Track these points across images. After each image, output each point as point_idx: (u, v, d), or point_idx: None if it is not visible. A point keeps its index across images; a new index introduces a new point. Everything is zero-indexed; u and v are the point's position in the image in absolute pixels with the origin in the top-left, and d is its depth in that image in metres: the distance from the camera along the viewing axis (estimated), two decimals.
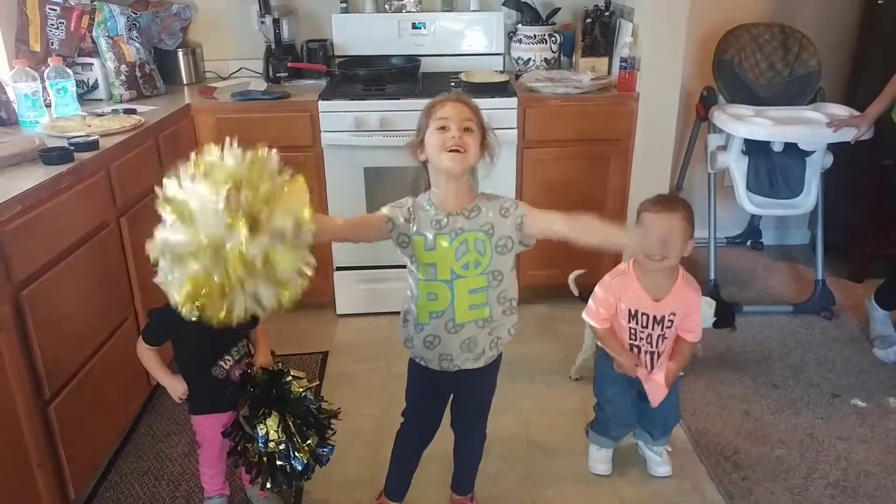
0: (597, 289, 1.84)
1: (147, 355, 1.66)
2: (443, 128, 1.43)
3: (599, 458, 2.01)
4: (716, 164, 2.85)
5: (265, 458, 1.62)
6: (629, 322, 1.79)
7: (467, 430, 1.75)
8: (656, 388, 1.79)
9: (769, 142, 2.70)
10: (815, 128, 2.64)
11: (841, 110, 2.71)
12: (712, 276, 2.88)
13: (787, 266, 3.33)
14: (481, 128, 1.48)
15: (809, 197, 2.76)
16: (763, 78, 2.98)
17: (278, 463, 1.61)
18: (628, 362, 1.81)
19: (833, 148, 2.72)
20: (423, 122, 1.49)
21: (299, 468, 1.61)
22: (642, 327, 1.78)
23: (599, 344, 1.90)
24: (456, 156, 1.42)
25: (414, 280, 1.55)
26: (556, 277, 2.56)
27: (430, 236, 1.48)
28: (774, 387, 2.40)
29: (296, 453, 1.61)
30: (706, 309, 2.33)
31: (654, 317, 1.76)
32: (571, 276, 2.42)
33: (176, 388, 1.67)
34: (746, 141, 2.73)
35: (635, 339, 1.81)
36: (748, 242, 3.53)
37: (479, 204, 1.50)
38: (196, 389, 1.68)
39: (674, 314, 1.76)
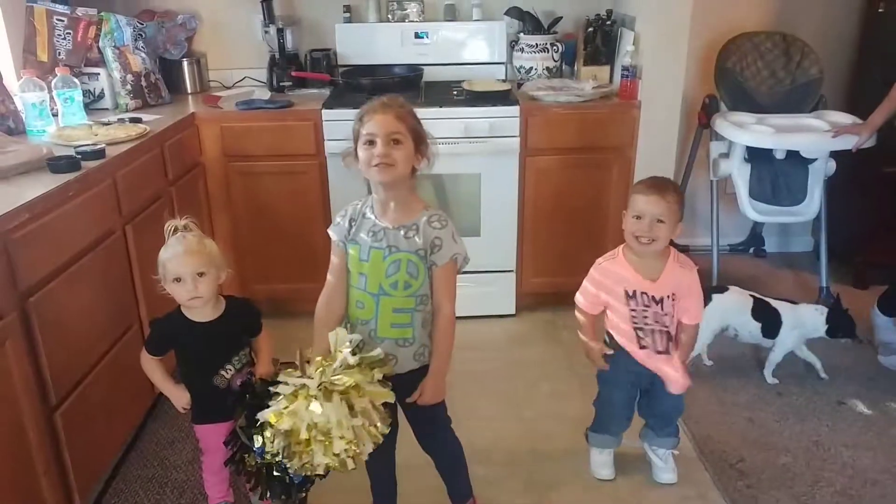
0: (591, 270, 1.83)
1: (150, 366, 1.67)
2: (370, 142, 1.43)
3: (602, 462, 2.01)
4: (718, 171, 2.86)
5: (263, 469, 1.61)
6: (629, 304, 1.77)
7: (427, 441, 1.71)
8: (673, 383, 1.79)
9: (771, 149, 2.71)
10: (817, 135, 2.65)
11: (843, 118, 2.72)
12: (715, 283, 2.88)
13: (790, 273, 3.33)
14: (413, 134, 1.46)
15: (812, 204, 2.77)
16: (765, 86, 2.99)
17: (276, 474, 1.61)
18: (595, 354, 1.83)
19: (835, 155, 2.73)
20: (354, 133, 1.48)
21: (297, 480, 1.61)
22: (644, 306, 1.76)
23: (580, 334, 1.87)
24: (383, 169, 1.42)
25: (347, 286, 1.56)
26: (558, 285, 2.57)
27: (366, 248, 1.49)
28: (779, 394, 2.40)
29: None
30: (817, 316, 2.33)
31: (654, 297, 1.75)
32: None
33: (179, 397, 1.68)
34: (749, 148, 2.74)
35: (639, 322, 1.78)
36: (751, 250, 3.53)
37: (419, 223, 1.48)
38: (198, 398, 1.68)
39: (674, 294, 1.75)
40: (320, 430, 1.38)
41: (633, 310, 1.78)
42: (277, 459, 1.58)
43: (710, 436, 2.18)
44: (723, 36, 3.04)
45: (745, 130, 2.69)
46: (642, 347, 1.80)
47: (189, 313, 1.64)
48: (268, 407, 1.60)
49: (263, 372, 1.70)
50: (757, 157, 2.76)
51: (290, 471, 1.56)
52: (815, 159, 2.73)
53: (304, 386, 1.42)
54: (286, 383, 1.46)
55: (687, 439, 2.16)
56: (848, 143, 2.57)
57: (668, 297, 1.76)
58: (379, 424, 1.45)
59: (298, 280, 2.77)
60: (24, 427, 1.54)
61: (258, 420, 1.59)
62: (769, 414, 2.29)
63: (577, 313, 1.87)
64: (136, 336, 2.08)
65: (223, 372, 1.65)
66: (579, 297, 1.86)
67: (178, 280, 1.56)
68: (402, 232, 1.48)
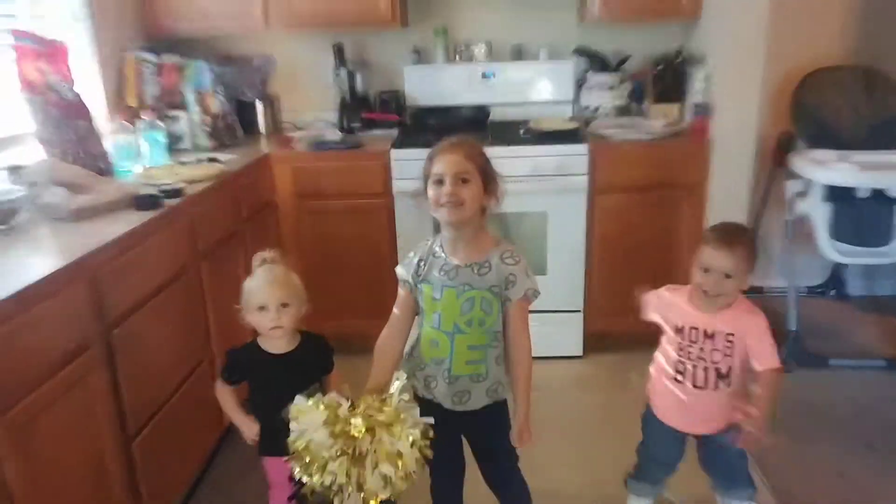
0: (658, 291, 1.80)
1: (224, 395, 1.70)
2: (439, 181, 1.44)
3: None
4: (794, 210, 2.74)
5: None
6: (677, 336, 1.72)
7: (497, 478, 1.69)
8: (744, 436, 1.69)
9: (853, 188, 2.58)
10: None
11: None
12: (794, 327, 2.74)
13: (877, 317, 3.14)
14: (482, 173, 1.46)
15: None
16: (846, 122, 2.87)
17: None
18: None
19: None
20: (424, 172, 1.49)
21: None
22: (691, 342, 1.70)
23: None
24: (451, 208, 1.43)
25: (419, 323, 1.55)
26: (627, 325, 2.49)
27: (438, 286, 1.49)
28: (869, 447, 2.23)
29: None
30: None
31: (705, 331, 1.68)
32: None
33: (249, 428, 1.70)
34: (830, 187, 2.62)
35: (683, 355, 1.72)
36: (832, 292, 3.35)
37: (491, 261, 1.49)
38: (267, 430, 1.69)
39: (731, 335, 1.67)
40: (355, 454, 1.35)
41: (679, 344, 1.72)
42: (340, 499, 1.57)
43: (793, 491, 2.04)
44: (798, 70, 2.95)
45: (825, 168, 2.58)
46: (677, 381, 1.73)
47: (265, 344, 1.67)
48: None
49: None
50: (838, 196, 2.63)
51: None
52: None
53: (338, 405, 1.40)
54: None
55: (768, 492, 2.03)
56: None
57: (723, 333, 1.68)
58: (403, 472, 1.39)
59: (366, 317, 2.77)
60: (104, 455, 1.59)
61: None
62: (860, 469, 2.13)
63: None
64: (208, 369, 2.13)
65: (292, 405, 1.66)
66: (646, 296, 1.82)
67: (262, 308, 1.60)
68: (474, 269, 1.48)
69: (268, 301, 1.60)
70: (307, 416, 1.40)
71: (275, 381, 1.66)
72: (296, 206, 2.75)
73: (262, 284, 1.61)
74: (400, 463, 1.35)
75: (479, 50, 3.12)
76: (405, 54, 3.13)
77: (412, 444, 1.37)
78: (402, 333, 1.57)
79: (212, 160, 2.51)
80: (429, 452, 1.44)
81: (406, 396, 1.47)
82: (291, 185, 2.73)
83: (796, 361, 2.71)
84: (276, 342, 1.66)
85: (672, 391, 1.77)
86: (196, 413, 2.04)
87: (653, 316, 1.80)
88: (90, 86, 2.57)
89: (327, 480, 1.35)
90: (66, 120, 2.21)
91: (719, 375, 1.71)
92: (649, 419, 1.85)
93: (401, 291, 1.58)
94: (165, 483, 1.87)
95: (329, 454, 1.34)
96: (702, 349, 1.70)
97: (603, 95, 2.94)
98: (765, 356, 1.69)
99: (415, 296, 1.56)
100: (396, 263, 2.98)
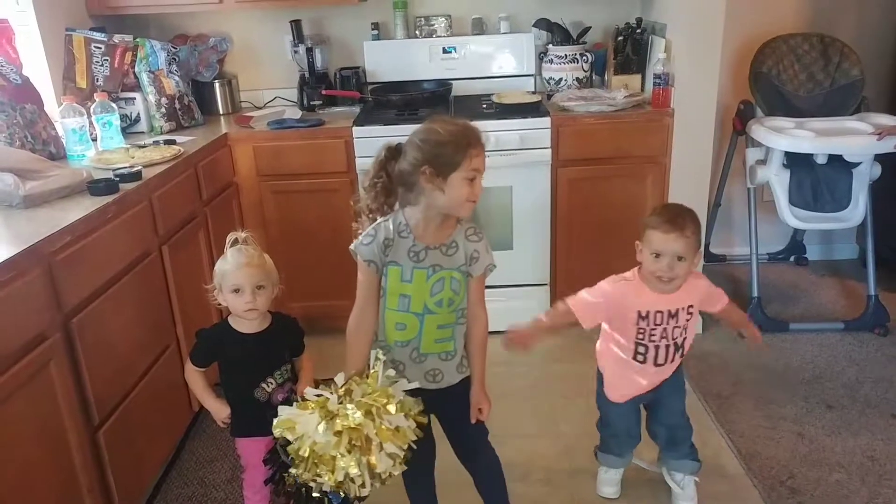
0: (605, 284, 1.74)
1: (194, 377, 1.68)
2: (473, 179, 1.42)
3: (607, 481, 1.97)
4: (755, 178, 2.79)
5: (302, 489, 1.60)
6: (638, 324, 1.72)
7: (473, 458, 1.69)
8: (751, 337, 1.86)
9: (812, 154, 2.64)
10: (861, 138, 2.57)
11: (887, 120, 2.64)
12: (755, 293, 2.81)
13: (835, 281, 3.23)
14: None
15: (857, 209, 2.68)
16: (803, 89, 2.92)
17: (315, 495, 1.59)
18: (528, 339, 1.76)
19: (880, 158, 2.64)
20: (449, 156, 1.40)
21: (336, 502, 1.59)
22: (654, 325, 1.71)
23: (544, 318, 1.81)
24: (474, 206, 1.45)
25: (382, 307, 1.53)
26: None
27: (408, 268, 1.48)
28: (829, 407, 2.31)
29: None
30: None
31: (669, 311, 1.70)
32: None
33: (220, 411, 1.69)
34: (788, 154, 2.67)
35: (644, 339, 1.73)
36: (791, 258, 3.44)
37: (457, 240, 1.49)
38: (238, 411, 1.69)
39: (691, 305, 1.71)
40: (352, 440, 1.38)
41: (640, 329, 1.72)
42: (316, 481, 1.57)
43: (757, 452, 2.10)
44: (756, 39, 2.98)
45: (783, 135, 2.63)
46: (637, 360, 1.75)
47: (236, 324, 1.65)
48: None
49: (304, 391, 1.70)
50: (796, 162, 2.68)
51: (327, 490, 1.55)
52: (858, 163, 2.65)
53: (326, 399, 1.42)
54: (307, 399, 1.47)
55: (733, 455, 2.09)
56: (893, 145, 2.48)
57: (684, 308, 1.71)
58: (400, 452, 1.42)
59: (332, 297, 2.76)
60: (69, 446, 1.55)
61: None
62: (819, 429, 2.20)
63: (558, 306, 1.78)
64: (174, 354, 2.10)
65: (264, 385, 1.66)
66: (578, 305, 1.75)
67: (237, 291, 1.58)
68: (443, 250, 1.48)
69: (243, 283, 1.58)
70: (300, 422, 1.41)
71: (246, 361, 1.66)
72: (257, 186, 2.70)
73: (238, 266, 1.59)
74: (400, 437, 1.39)
75: (440, 24, 3.09)
76: (364, 30, 3.08)
77: (406, 416, 1.40)
78: (372, 315, 1.55)
79: (169, 142, 2.45)
80: (423, 419, 1.47)
81: (391, 372, 1.48)
82: (252, 166, 2.68)
83: (759, 326, 2.77)
84: (248, 322, 1.65)
85: (629, 375, 1.79)
86: (164, 399, 2.01)
87: (600, 318, 1.78)
88: (38, 68, 2.48)
89: (340, 476, 1.37)
90: (13, 103, 2.13)
91: (677, 347, 1.75)
92: (603, 400, 1.88)
93: (366, 271, 1.52)
94: (135, 472, 1.84)
95: (338, 451, 1.35)
96: (664, 329, 1.72)
97: (564, 68, 2.93)
98: (716, 299, 1.79)
99: (378, 277, 1.53)
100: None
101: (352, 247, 1.52)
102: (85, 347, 1.60)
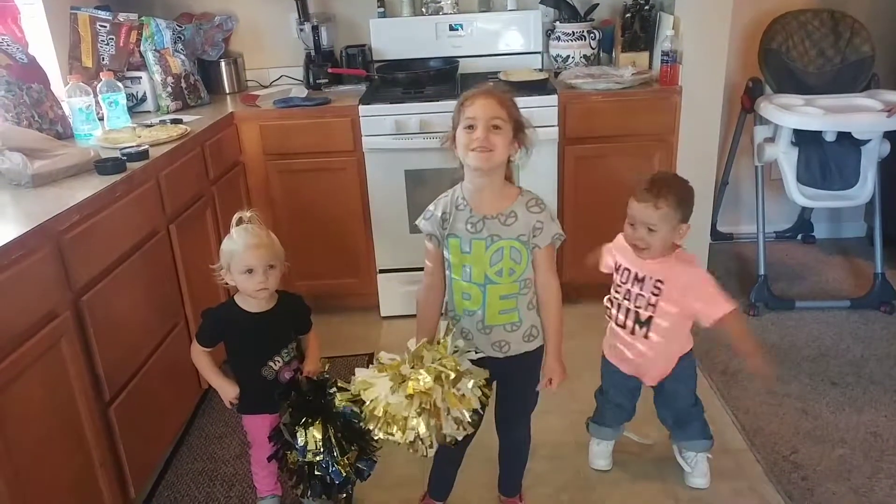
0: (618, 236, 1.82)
1: (200, 358, 1.70)
2: (470, 126, 1.42)
3: (598, 453, 1.99)
4: (763, 156, 2.77)
5: (305, 467, 1.63)
6: (616, 274, 1.78)
7: (509, 429, 1.73)
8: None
9: (820, 132, 2.62)
10: (870, 115, 2.55)
11: None
12: (762, 271, 2.80)
13: (842, 260, 3.22)
14: (513, 121, 1.45)
15: (865, 187, 2.66)
16: (812, 66, 2.89)
17: (317, 473, 1.62)
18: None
19: (890, 136, 2.62)
20: (455, 118, 1.48)
21: (338, 481, 1.62)
22: (622, 282, 1.75)
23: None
24: (481, 155, 1.41)
25: (449, 278, 1.57)
26: (601, 276, 2.52)
27: (466, 240, 1.49)
28: (833, 384, 2.32)
29: (335, 465, 1.60)
30: None
31: (636, 274, 1.71)
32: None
33: (227, 391, 1.71)
34: (796, 131, 2.65)
35: (615, 294, 1.79)
36: (799, 236, 3.42)
37: (516, 210, 1.49)
38: (246, 389, 1.71)
39: (660, 282, 1.68)
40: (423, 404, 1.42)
41: (615, 283, 1.78)
42: (318, 459, 1.60)
43: (761, 427, 2.12)
44: (766, 16, 2.94)
45: (792, 113, 2.60)
46: (609, 316, 1.82)
47: (243, 303, 1.67)
48: (310, 408, 1.63)
49: (311, 370, 1.72)
50: (805, 140, 2.66)
51: (337, 466, 1.58)
52: (868, 140, 2.62)
53: (400, 363, 1.47)
54: (335, 381, 1.54)
55: (737, 430, 2.11)
56: None
57: (652, 279, 1.69)
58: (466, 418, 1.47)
59: (339, 276, 2.79)
60: (81, 421, 1.58)
61: (301, 418, 1.61)
62: (823, 405, 2.22)
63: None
64: (183, 332, 2.12)
65: (271, 363, 1.67)
66: (604, 246, 1.85)
67: (249, 271, 1.59)
68: (501, 219, 1.48)
69: (255, 264, 1.59)
70: (376, 385, 1.46)
71: (254, 340, 1.67)
72: (264, 165, 2.71)
73: (248, 247, 1.59)
74: (466, 403, 1.43)
75: (446, 1, 3.06)
76: (370, 7, 3.05)
77: (472, 386, 1.44)
78: (439, 286, 1.59)
79: (175, 121, 2.45)
80: (488, 391, 1.51)
81: (461, 343, 1.51)
82: (259, 145, 2.69)
83: (765, 304, 2.78)
84: (255, 302, 1.66)
85: (615, 333, 1.84)
86: (174, 376, 2.04)
87: (609, 261, 1.83)
88: (43, 47, 2.48)
89: (410, 437, 1.42)
90: (19, 83, 2.14)
91: (638, 321, 1.74)
92: (604, 362, 1.92)
93: (429, 245, 1.57)
94: (145, 447, 1.88)
95: (409, 413, 1.41)
96: (629, 291, 1.74)
97: (571, 45, 2.90)
98: (714, 308, 1.64)
99: (441, 249, 1.55)
100: (368, 221, 2.95)
101: (417, 221, 1.58)
102: (95, 325, 1.62)
